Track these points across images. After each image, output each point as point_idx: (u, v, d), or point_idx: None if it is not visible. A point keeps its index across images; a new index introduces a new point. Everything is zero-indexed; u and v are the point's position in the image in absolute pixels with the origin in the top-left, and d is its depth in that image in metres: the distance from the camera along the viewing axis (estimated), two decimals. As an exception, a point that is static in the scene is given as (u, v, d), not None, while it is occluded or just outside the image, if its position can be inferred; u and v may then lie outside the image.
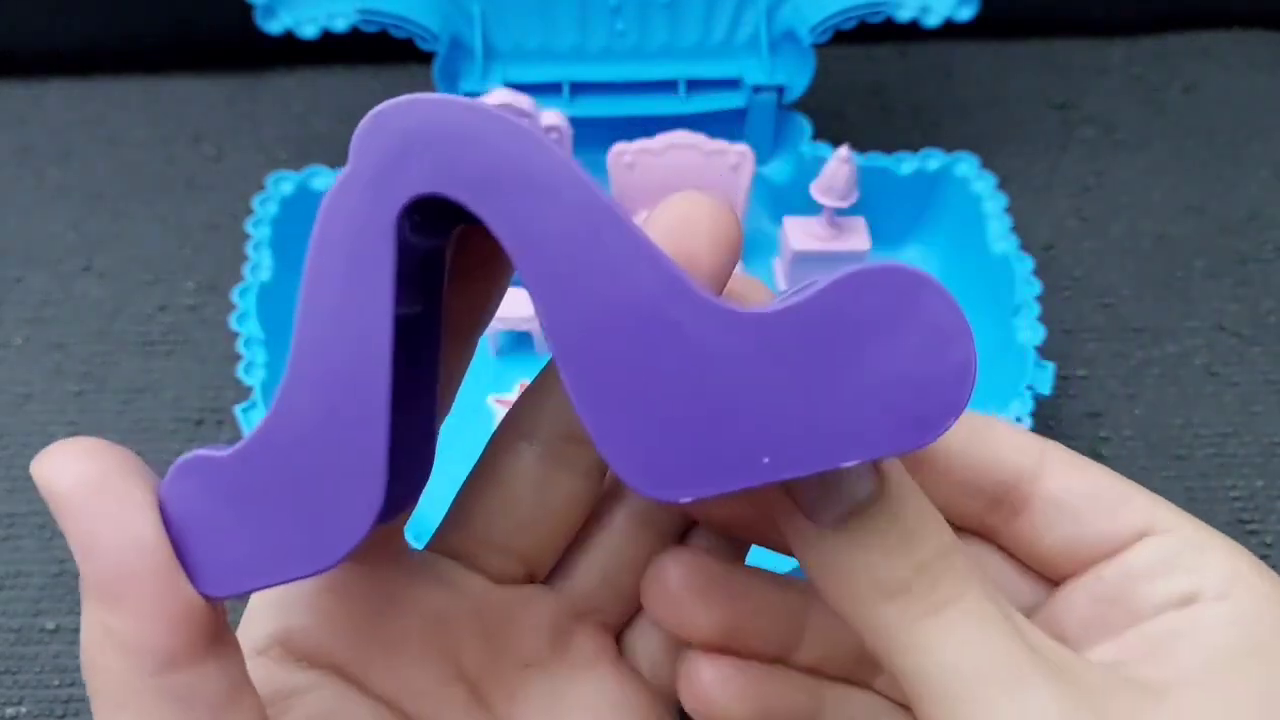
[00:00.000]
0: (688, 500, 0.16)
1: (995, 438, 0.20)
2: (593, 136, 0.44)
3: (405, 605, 0.20)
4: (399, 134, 0.15)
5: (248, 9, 0.43)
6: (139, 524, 0.15)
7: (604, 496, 0.21)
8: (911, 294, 0.15)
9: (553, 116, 0.42)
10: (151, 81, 0.55)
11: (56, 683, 0.35)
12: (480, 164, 0.15)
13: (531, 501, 0.20)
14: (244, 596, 0.17)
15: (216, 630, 0.16)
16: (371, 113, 0.15)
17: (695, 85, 0.46)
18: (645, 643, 0.22)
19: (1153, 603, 0.19)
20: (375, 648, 0.20)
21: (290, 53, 0.50)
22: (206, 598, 0.16)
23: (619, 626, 0.22)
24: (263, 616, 0.19)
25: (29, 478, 0.45)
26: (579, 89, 0.46)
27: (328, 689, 0.19)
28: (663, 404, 0.15)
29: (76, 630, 0.37)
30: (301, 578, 0.16)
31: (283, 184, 0.43)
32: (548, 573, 0.22)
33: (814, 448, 0.15)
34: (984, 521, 0.21)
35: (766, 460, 0.15)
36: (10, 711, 0.35)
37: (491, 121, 0.15)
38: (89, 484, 0.15)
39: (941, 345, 0.15)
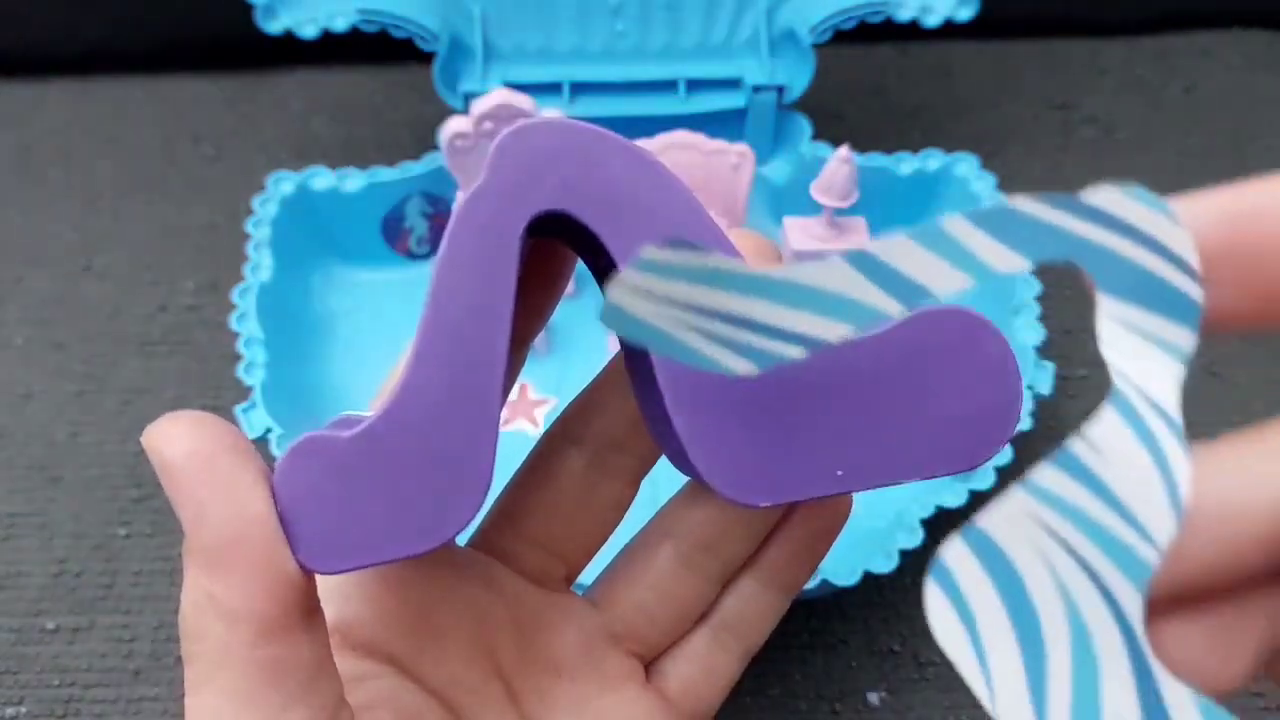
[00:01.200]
0: (766, 505, 0.17)
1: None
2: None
3: (454, 601, 0.21)
4: (533, 153, 0.16)
5: (248, 9, 0.43)
6: (248, 496, 0.16)
7: (654, 530, 0.22)
8: (973, 335, 0.17)
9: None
10: (152, 82, 0.55)
11: (56, 682, 0.35)
12: (602, 186, 0.17)
13: (576, 504, 0.21)
14: (348, 572, 0.17)
15: (311, 604, 0.17)
16: (509, 130, 0.16)
17: (695, 85, 0.46)
18: (675, 668, 0.22)
19: None
20: (426, 641, 0.20)
21: (290, 53, 0.50)
22: (312, 572, 0.17)
23: (650, 657, 0.22)
24: (324, 607, 0.20)
25: (30, 477, 0.45)
26: (579, 89, 0.46)
27: (383, 678, 0.20)
28: (750, 418, 0.17)
29: (76, 630, 0.37)
30: (408, 557, 0.17)
31: (283, 184, 0.43)
32: (579, 572, 0.22)
33: (881, 464, 0.17)
34: None
35: (840, 473, 0.17)
36: (10, 711, 0.35)
37: (615, 148, 0.17)
38: (201, 456, 0.16)
39: (995, 381, 0.17)
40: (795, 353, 0.14)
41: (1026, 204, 0.14)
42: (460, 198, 0.41)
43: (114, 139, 0.53)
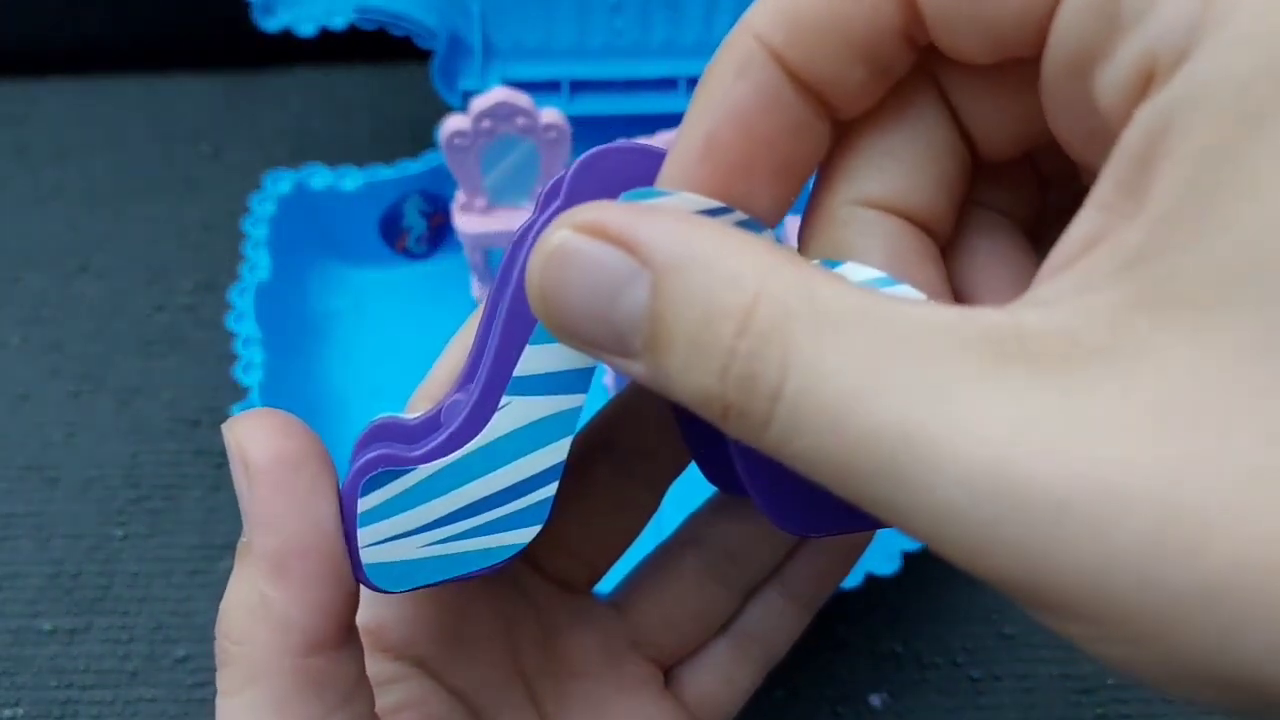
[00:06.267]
0: (817, 536, 0.18)
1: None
2: (592, 135, 0.44)
3: (482, 605, 0.21)
4: (608, 177, 0.17)
5: (245, 7, 0.43)
6: (322, 509, 0.16)
7: (679, 538, 0.22)
8: None
9: (551, 115, 0.41)
10: (149, 80, 0.55)
11: (54, 684, 0.35)
12: None
13: (604, 510, 0.21)
14: (410, 592, 0.18)
15: (353, 621, 0.17)
16: (587, 154, 0.17)
17: (695, 83, 0.46)
18: (694, 676, 0.22)
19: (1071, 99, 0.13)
20: (454, 644, 0.20)
21: (288, 51, 0.50)
22: (373, 590, 0.17)
23: (669, 664, 0.23)
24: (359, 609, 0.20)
25: (26, 478, 0.45)
26: (578, 87, 0.46)
27: (412, 680, 0.20)
28: None
29: (73, 632, 0.36)
30: (469, 576, 0.17)
31: (280, 182, 0.43)
32: (602, 577, 0.23)
33: None
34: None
35: None
36: (7, 713, 0.35)
37: None
38: (286, 462, 0.16)
39: None
40: (545, 494, 0.15)
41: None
42: (460, 198, 0.41)
43: (111, 137, 0.53)
